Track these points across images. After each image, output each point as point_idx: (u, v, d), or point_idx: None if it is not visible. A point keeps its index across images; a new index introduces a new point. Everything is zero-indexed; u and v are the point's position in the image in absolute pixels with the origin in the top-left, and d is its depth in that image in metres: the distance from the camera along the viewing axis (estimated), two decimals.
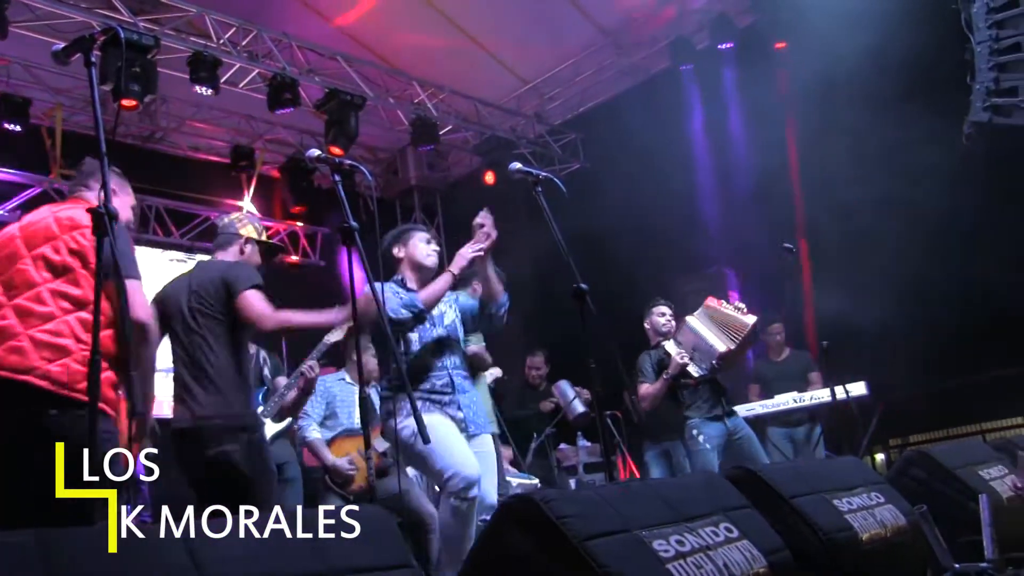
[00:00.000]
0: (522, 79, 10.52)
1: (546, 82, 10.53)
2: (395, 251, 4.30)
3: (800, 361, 7.46)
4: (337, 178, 3.29)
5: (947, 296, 6.53)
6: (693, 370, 5.74)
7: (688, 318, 5.90)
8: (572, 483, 7.51)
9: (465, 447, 3.84)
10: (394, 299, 3.94)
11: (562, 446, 7.77)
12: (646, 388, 5.88)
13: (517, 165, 3.82)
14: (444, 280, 4.08)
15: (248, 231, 4.12)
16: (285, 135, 10.49)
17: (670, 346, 5.84)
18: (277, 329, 3.76)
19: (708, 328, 5.79)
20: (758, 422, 7.27)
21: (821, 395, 6.88)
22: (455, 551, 3.66)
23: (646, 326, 6.15)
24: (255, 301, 3.68)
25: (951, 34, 6.35)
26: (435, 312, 4.16)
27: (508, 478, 6.17)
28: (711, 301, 5.95)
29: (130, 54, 6.97)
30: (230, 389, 3.66)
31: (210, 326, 3.72)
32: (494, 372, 6.05)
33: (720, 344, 5.69)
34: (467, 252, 4.03)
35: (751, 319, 5.77)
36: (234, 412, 3.64)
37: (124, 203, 3.11)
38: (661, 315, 6.09)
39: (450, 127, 10.19)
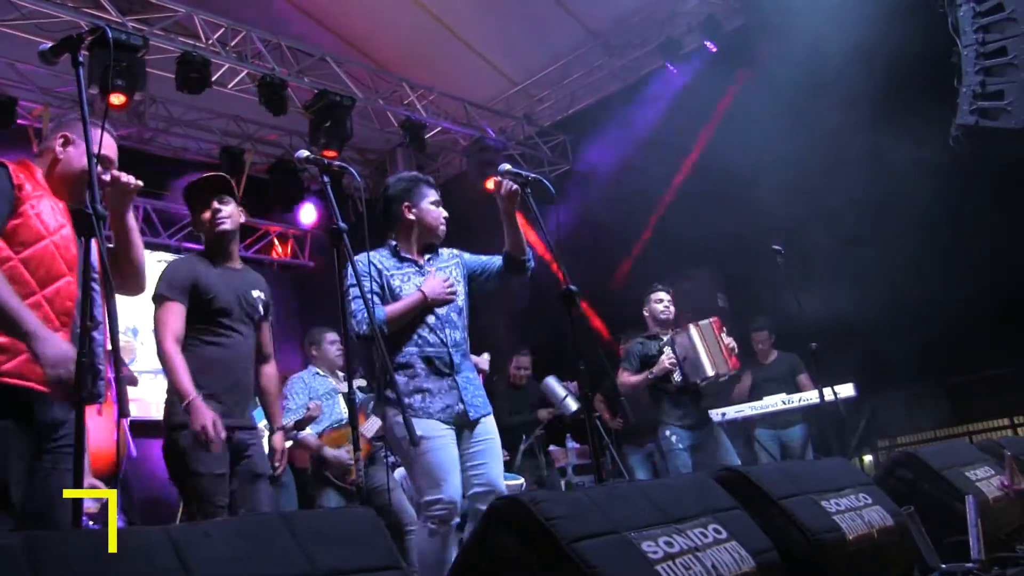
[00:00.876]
0: (511, 81, 10.54)
1: (535, 84, 10.54)
2: (403, 207, 3.92)
3: (788, 363, 7.49)
4: (326, 179, 3.29)
5: (934, 298, 6.55)
6: (676, 378, 5.77)
7: (692, 326, 5.92)
8: (562, 484, 7.54)
9: (454, 468, 3.60)
10: (351, 292, 3.61)
11: (552, 447, 7.79)
12: (627, 376, 5.92)
13: (506, 166, 3.82)
14: (414, 300, 3.72)
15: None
16: (274, 136, 10.49)
17: (667, 347, 5.87)
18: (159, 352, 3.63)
19: (706, 346, 5.82)
20: (746, 424, 7.30)
21: (810, 397, 6.91)
22: (432, 571, 3.53)
23: (644, 313, 6.17)
24: (161, 319, 3.67)
25: (940, 35, 6.39)
26: (440, 277, 3.84)
27: None
28: (715, 324, 5.98)
29: (118, 54, 6.95)
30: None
31: None
32: (484, 357, 6.00)
33: (710, 368, 5.75)
34: (442, 290, 3.74)
35: (731, 364, 5.88)
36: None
37: (80, 152, 2.88)
38: (659, 301, 6.10)
39: (439, 128, 10.19)
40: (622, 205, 9.18)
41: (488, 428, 3.83)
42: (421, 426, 3.46)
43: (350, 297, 3.65)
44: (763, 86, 8.07)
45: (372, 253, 3.80)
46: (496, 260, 4.02)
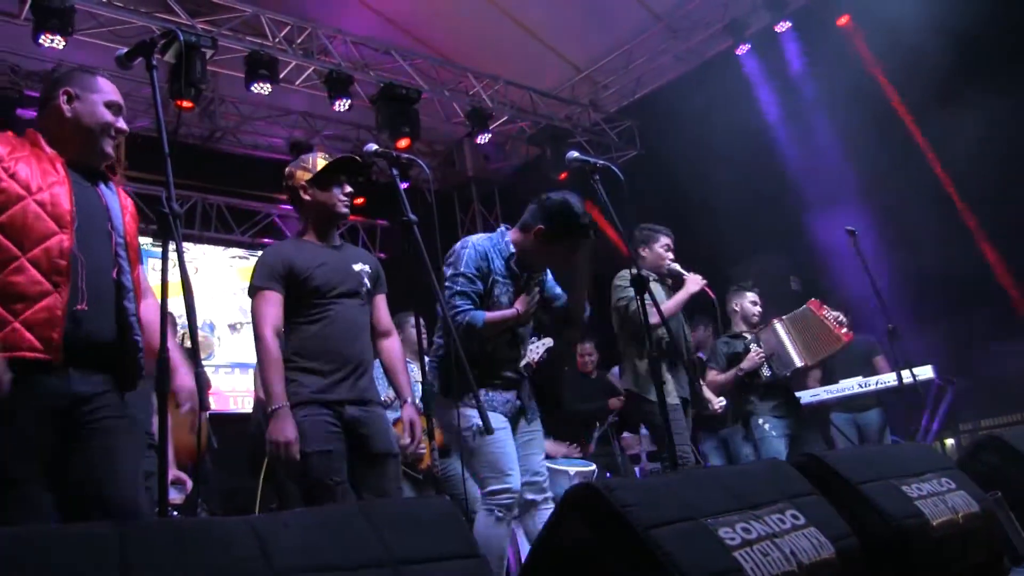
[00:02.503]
0: (576, 67, 10.49)
1: (600, 70, 10.47)
2: (538, 230, 3.82)
3: (863, 346, 7.32)
4: (395, 172, 3.31)
5: (1019, 277, 6.37)
6: (765, 372, 5.77)
7: (776, 322, 5.92)
8: (637, 471, 7.52)
9: (516, 459, 3.72)
10: (460, 283, 3.73)
11: (625, 434, 7.77)
12: (714, 375, 5.93)
13: (574, 154, 3.82)
14: (509, 316, 3.77)
15: (299, 177, 3.71)
16: (342, 131, 10.61)
17: (753, 344, 5.85)
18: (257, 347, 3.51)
19: (792, 338, 5.81)
20: (822, 408, 7.17)
21: (887, 379, 6.76)
22: (500, 556, 3.60)
23: (734, 308, 6.13)
24: (257, 308, 3.54)
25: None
26: (532, 298, 3.87)
27: (565, 466, 6.19)
28: (813, 305, 5.92)
29: (189, 55, 7.11)
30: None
31: None
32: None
33: (798, 359, 5.76)
34: (530, 311, 3.81)
35: (843, 339, 5.81)
36: None
37: (95, 102, 2.76)
38: (755, 303, 6.09)
39: (506, 118, 10.20)
40: (692, 188, 9.08)
41: (537, 422, 4.00)
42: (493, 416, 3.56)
43: (457, 287, 3.73)
44: (834, 63, 7.91)
45: (490, 245, 3.84)
46: (562, 297, 4.13)
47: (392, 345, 3.86)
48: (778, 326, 5.86)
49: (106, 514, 2.48)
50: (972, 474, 3.43)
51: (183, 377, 2.69)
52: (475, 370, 3.69)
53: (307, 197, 3.65)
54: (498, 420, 3.70)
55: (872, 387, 6.90)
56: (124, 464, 2.61)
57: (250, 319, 3.62)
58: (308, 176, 3.65)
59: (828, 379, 7.25)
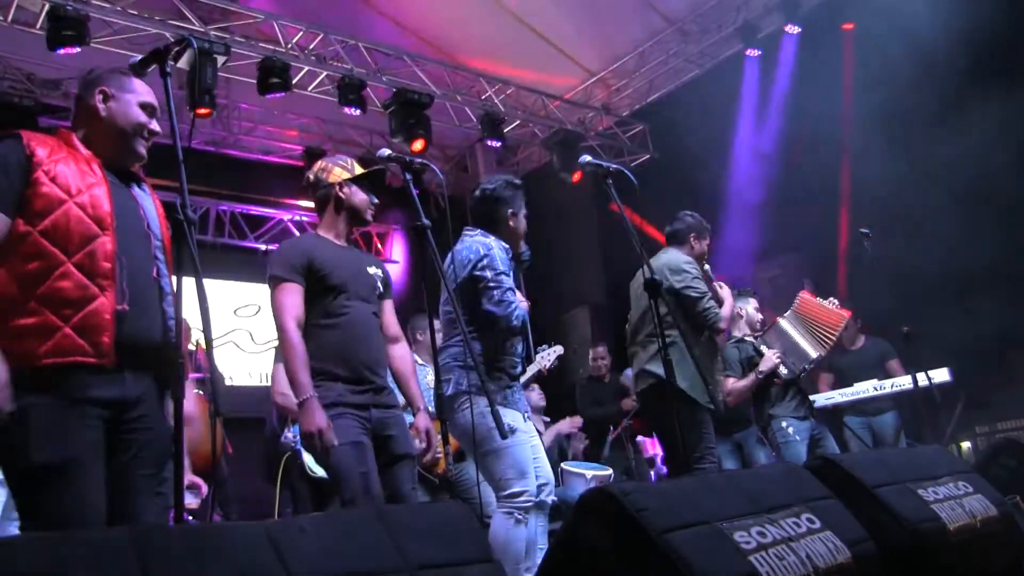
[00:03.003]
0: (588, 71, 10.48)
1: (613, 73, 10.46)
2: (509, 213, 4.12)
3: (877, 349, 7.30)
4: (408, 177, 3.32)
5: None
6: (783, 371, 5.72)
7: (780, 320, 5.87)
8: (651, 475, 7.51)
9: (532, 458, 3.77)
10: (506, 281, 3.88)
11: (639, 437, 7.77)
12: (733, 383, 5.82)
13: (587, 158, 3.84)
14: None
15: (337, 175, 3.72)
16: (355, 136, 10.64)
17: (763, 346, 5.81)
18: (282, 343, 3.46)
19: (799, 332, 5.76)
20: (836, 411, 7.15)
21: (902, 382, 6.73)
22: (521, 558, 3.60)
23: (738, 313, 6.09)
24: (278, 301, 3.51)
25: None
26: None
27: (581, 470, 6.20)
28: (806, 295, 5.89)
29: (202, 62, 7.14)
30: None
31: None
32: (557, 350, 5.99)
33: (812, 350, 5.69)
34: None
35: (844, 315, 5.75)
36: None
37: (129, 102, 2.77)
38: (756, 309, 6.06)
39: (518, 122, 10.21)
40: (705, 191, 9.06)
41: (533, 427, 4.04)
42: (511, 417, 3.65)
43: (504, 287, 3.84)
44: (846, 66, 7.89)
45: (492, 242, 3.94)
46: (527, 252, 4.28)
47: (403, 352, 3.87)
48: (783, 324, 5.82)
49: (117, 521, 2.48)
50: (989, 478, 3.41)
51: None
52: (497, 371, 3.78)
53: (342, 194, 3.67)
54: (520, 421, 3.79)
55: (887, 390, 6.87)
56: (144, 480, 2.60)
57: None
58: (347, 175, 3.68)
59: (842, 382, 7.23)
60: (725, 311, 4.86)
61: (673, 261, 4.90)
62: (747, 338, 5.95)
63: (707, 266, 5.15)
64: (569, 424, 6.59)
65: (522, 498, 3.63)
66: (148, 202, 2.80)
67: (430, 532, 1.94)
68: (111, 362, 2.51)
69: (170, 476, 2.63)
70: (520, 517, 3.62)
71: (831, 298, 5.85)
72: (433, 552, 1.88)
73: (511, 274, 4.00)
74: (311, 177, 3.77)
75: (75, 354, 2.46)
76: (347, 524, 1.88)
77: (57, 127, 2.82)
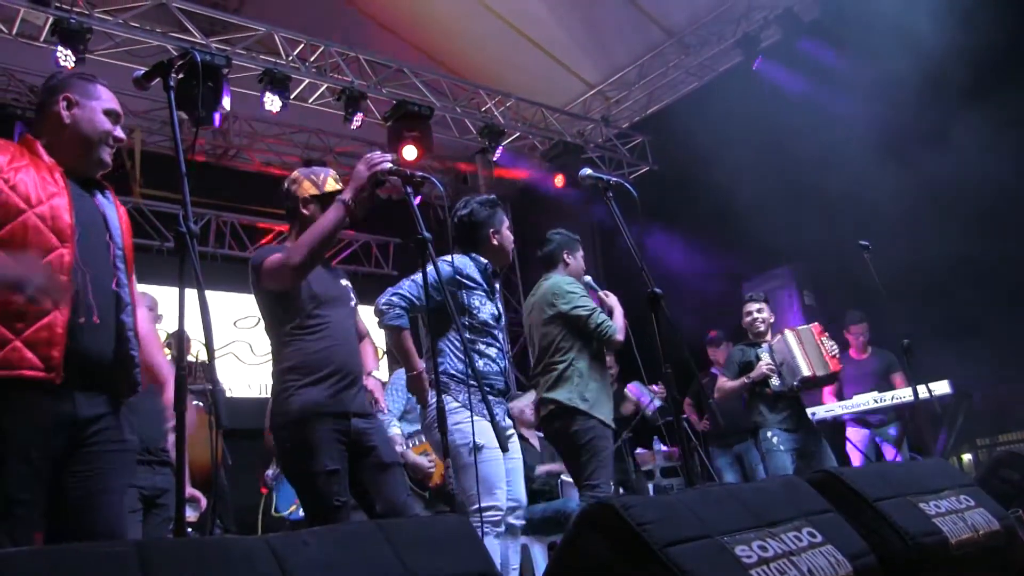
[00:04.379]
0: (588, 83, 10.51)
1: (612, 85, 10.50)
2: (490, 233, 4.25)
3: (883, 361, 7.29)
4: (409, 189, 3.32)
5: None
6: (774, 382, 5.72)
7: (787, 331, 5.88)
8: (650, 488, 7.50)
9: (502, 477, 3.83)
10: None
11: (639, 450, 7.75)
12: (723, 382, 5.92)
13: (587, 171, 3.84)
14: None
15: (305, 188, 3.60)
16: (355, 148, 10.66)
17: (764, 353, 5.82)
18: (305, 260, 3.31)
19: (802, 348, 5.77)
20: (837, 423, 7.14)
21: (903, 395, 6.73)
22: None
23: (745, 318, 6.13)
24: (272, 259, 3.40)
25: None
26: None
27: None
28: (816, 329, 5.93)
29: (204, 74, 7.16)
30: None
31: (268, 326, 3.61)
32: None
33: (806, 368, 5.68)
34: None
35: (831, 365, 5.78)
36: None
37: (94, 109, 2.70)
38: (747, 314, 6.08)
39: (517, 134, 10.24)
40: (704, 204, 9.07)
41: (516, 448, 4.08)
42: (487, 434, 3.66)
43: (403, 290, 3.96)
44: (844, 78, 7.91)
45: (458, 260, 3.93)
46: None
47: (367, 341, 3.90)
48: (789, 335, 5.84)
49: (89, 539, 2.43)
50: (991, 491, 3.40)
51: (169, 392, 2.65)
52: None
53: (306, 212, 3.57)
54: (492, 437, 3.73)
55: (888, 402, 6.87)
56: (113, 495, 2.58)
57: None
58: (314, 191, 3.57)
59: (843, 394, 7.22)
60: (618, 321, 4.77)
61: (554, 286, 4.86)
62: (761, 343, 5.95)
63: (587, 277, 5.08)
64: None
65: (489, 513, 3.72)
66: (111, 211, 2.74)
67: (432, 545, 1.94)
68: (59, 378, 2.45)
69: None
70: (488, 530, 3.67)
71: (834, 344, 5.88)
72: (435, 565, 1.88)
73: (488, 290, 4.10)
74: (284, 185, 3.69)
75: (23, 368, 2.39)
76: (349, 537, 1.87)
77: (23, 133, 2.74)
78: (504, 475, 3.83)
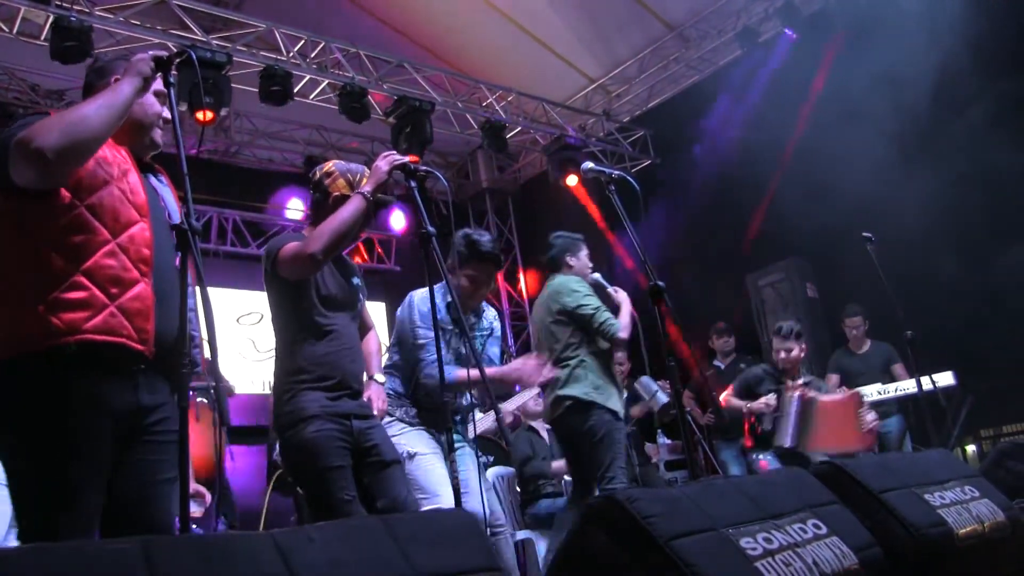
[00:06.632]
0: (589, 78, 10.51)
1: (613, 80, 10.50)
2: (459, 263, 4.20)
3: (882, 353, 7.29)
4: (413, 184, 3.31)
5: None
6: (766, 425, 5.72)
7: (795, 396, 5.70)
8: None
9: (441, 483, 3.86)
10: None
11: (647, 445, 7.75)
12: (729, 395, 5.93)
13: (589, 165, 3.84)
14: (475, 377, 3.53)
15: (340, 185, 3.56)
16: (356, 143, 10.66)
17: (774, 396, 5.76)
18: (324, 248, 3.26)
19: (795, 418, 5.63)
20: None
21: (906, 386, 6.72)
22: None
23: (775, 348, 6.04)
24: (289, 246, 3.36)
25: None
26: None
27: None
28: (854, 398, 5.64)
29: (204, 71, 7.15)
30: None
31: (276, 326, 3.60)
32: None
33: (787, 439, 5.60)
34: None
35: (862, 441, 5.46)
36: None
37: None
38: (776, 352, 5.97)
39: (519, 129, 10.23)
40: (707, 196, 9.07)
41: (472, 466, 4.10)
42: (417, 437, 3.97)
43: (421, 340, 4.04)
44: (845, 72, 7.89)
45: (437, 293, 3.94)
46: None
47: (372, 336, 3.93)
48: (794, 403, 5.68)
49: (137, 531, 2.41)
50: (996, 482, 3.40)
51: None
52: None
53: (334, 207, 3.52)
54: (423, 446, 3.96)
55: (891, 394, 6.86)
56: (167, 486, 2.54)
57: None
58: (347, 191, 3.52)
59: (847, 386, 7.21)
60: (623, 319, 4.84)
61: (560, 285, 4.99)
62: (784, 379, 5.87)
63: (596, 275, 5.14)
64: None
65: None
66: (167, 193, 2.73)
67: (437, 541, 1.94)
68: (152, 352, 2.43)
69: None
70: None
71: (875, 417, 5.52)
72: (440, 561, 1.87)
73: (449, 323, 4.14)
74: (317, 174, 3.66)
75: (122, 335, 2.37)
76: (354, 533, 1.87)
77: None
78: (445, 477, 3.86)
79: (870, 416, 5.48)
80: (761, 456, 5.71)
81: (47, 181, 2.35)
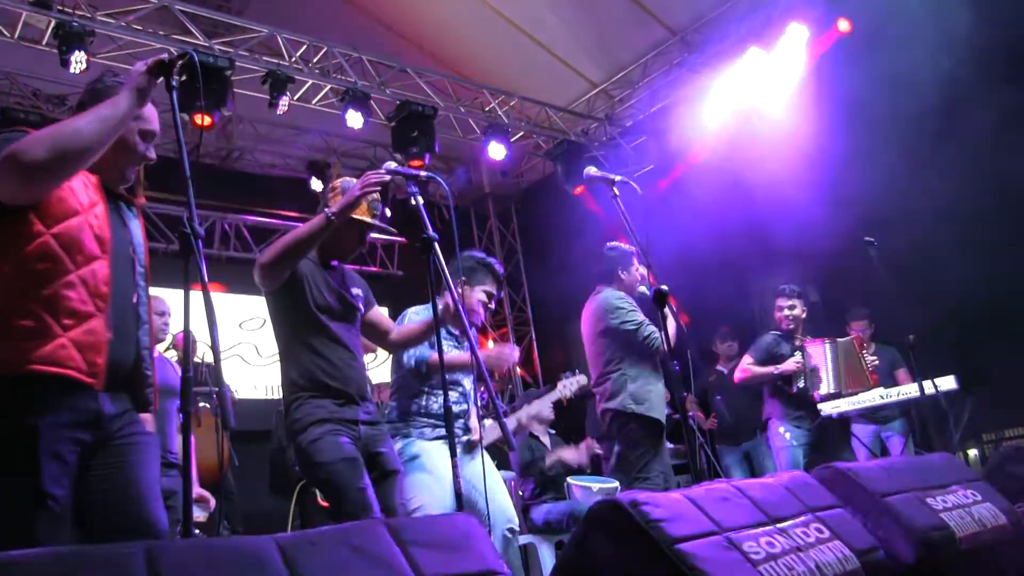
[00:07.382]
0: (591, 82, 10.51)
1: (616, 84, 10.49)
2: (477, 281, 4.45)
3: (887, 357, 7.27)
4: (415, 189, 3.32)
5: None
6: (799, 383, 5.79)
7: (827, 343, 6.04)
8: None
9: (448, 496, 3.83)
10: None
11: None
12: (750, 362, 5.96)
13: (592, 170, 3.85)
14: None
15: (335, 202, 3.57)
16: (359, 148, 10.66)
17: (798, 352, 5.90)
18: (270, 261, 3.35)
19: (836, 364, 5.84)
20: (843, 420, 7.12)
21: (909, 390, 6.70)
22: None
23: (775, 311, 6.27)
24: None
25: None
26: None
27: (588, 483, 6.17)
28: (856, 340, 6.12)
29: (206, 76, 7.16)
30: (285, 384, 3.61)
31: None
32: (580, 380, 5.96)
33: (831, 385, 5.80)
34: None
35: (872, 380, 6.00)
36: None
37: (132, 129, 2.66)
38: (779, 309, 6.22)
39: (521, 133, 10.23)
40: (709, 200, 9.06)
41: (488, 466, 4.22)
42: (429, 447, 4.20)
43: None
44: (850, 75, 7.89)
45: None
46: None
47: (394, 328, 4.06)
48: (828, 347, 5.96)
49: (130, 530, 2.43)
50: (998, 486, 3.40)
51: None
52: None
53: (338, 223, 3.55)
54: (442, 456, 4.04)
55: (894, 398, 6.84)
56: (149, 482, 2.56)
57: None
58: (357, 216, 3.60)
59: None
60: (669, 329, 4.97)
61: (604, 301, 5.19)
62: (797, 339, 6.01)
63: (642, 288, 5.27)
64: (575, 456, 6.47)
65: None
66: (135, 225, 2.73)
67: (441, 544, 1.94)
68: (100, 386, 2.44)
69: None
70: None
71: (875, 358, 6.08)
72: (444, 564, 1.88)
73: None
74: (330, 190, 3.75)
75: (68, 367, 2.37)
76: (357, 537, 1.87)
77: None
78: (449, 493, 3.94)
79: (871, 356, 6.03)
80: (782, 427, 5.86)
81: (29, 192, 2.36)
